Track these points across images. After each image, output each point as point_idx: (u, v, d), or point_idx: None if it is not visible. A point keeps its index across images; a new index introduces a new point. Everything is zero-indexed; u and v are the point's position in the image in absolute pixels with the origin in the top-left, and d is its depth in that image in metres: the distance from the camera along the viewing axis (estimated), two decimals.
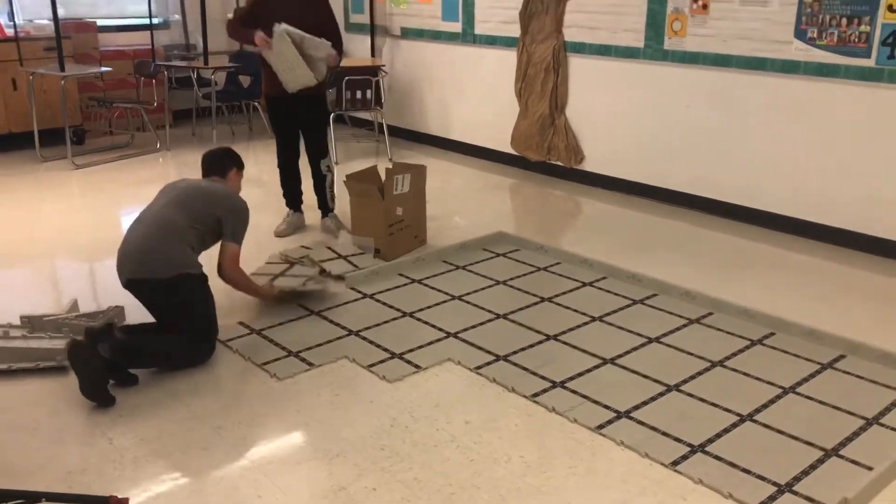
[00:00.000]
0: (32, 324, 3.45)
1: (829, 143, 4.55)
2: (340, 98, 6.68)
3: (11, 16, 7.06)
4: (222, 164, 3.62)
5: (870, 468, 2.50)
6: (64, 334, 3.34)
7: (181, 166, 6.50)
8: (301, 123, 4.66)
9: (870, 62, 4.26)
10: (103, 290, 3.95)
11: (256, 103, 7.61)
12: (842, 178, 4.54)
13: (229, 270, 3.37)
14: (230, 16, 4.61)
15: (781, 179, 4.81)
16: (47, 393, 3.02)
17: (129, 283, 3.18)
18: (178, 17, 7.99)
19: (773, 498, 2.39)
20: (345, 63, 7.11)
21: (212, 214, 3.30)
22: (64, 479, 2.49)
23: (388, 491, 2.43)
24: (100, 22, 7.50)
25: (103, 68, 6.74)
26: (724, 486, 2.44)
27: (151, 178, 6.23)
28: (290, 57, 4.32)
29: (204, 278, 3.24)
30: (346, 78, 6.61)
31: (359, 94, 6.74)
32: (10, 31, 6.83)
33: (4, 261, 4.41)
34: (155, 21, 7.54)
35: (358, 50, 7.66)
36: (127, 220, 5.23)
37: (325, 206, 4.81)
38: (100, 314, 3.51)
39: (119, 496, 2.35)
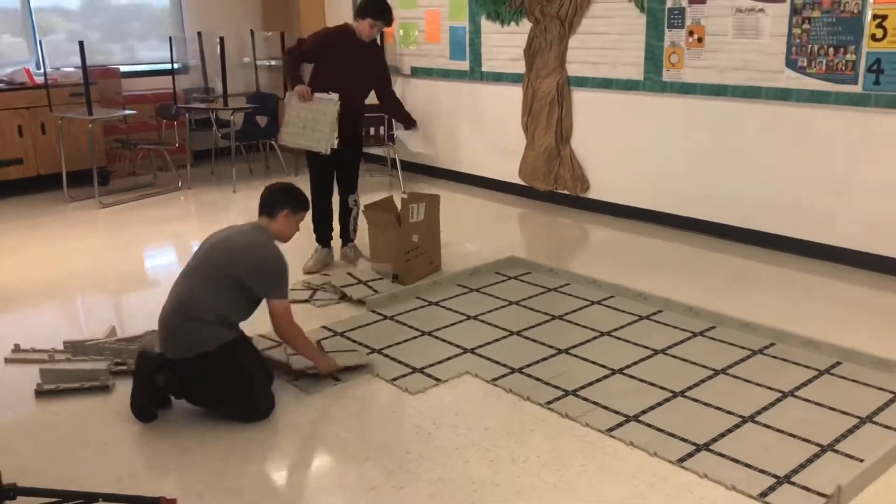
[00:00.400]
0: (75, 348, 3.68)
1: (824, 166, 4.78)
2: None
3: (38, 64, 7.42)
4: (272, 203, 3.27)
5: (862, 461, 2.68)
6: (105, 357, 3.57)
7: (202, 204, 6.78)
8: (340, 162, 4.78)
9: (857, 88, 4.51)
10: (137, 318, 4.17)
11: (273, 142, 7.90)
12: (837, 198, 4.76)
13: (279, 329, 3.16)
14: (292, 45, 4.79)
15: (779, 201, 5.03)
16: (93, 409, 3.23)
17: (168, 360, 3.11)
18: (194, 61, 8.34)
19: (772, 489, 2.57)
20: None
21: (233, 276, 3.04)
22: (114, 484, 2.70)
23: (414, 490, 2.63)
24: (123, 68, 7.84)
25: (128, 111, 7.06)
26: (728, 480, 2.62)
27: (174, 215, 6.51)
28: (322, 121, 4.52)
29: (226, 351, 3.03)
30: None
31: (372, 131, 7.02)
32: (38, 79, 7.17)
33: (42, 294, 4.65)
34: (175, 66, 7.88)
35: None
36: (152, 256, 5.52)
37: (347, 235, 5.00)
38: (138, 338, 3.74)
39: (168, 497, 2.56)
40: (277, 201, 3.27)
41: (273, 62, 8.51)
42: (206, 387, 3.07)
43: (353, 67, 4.63)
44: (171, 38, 7.50)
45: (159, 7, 8.38)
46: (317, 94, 4.57)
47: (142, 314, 4.16)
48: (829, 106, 4.66)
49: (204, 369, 3.02)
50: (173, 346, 3.07)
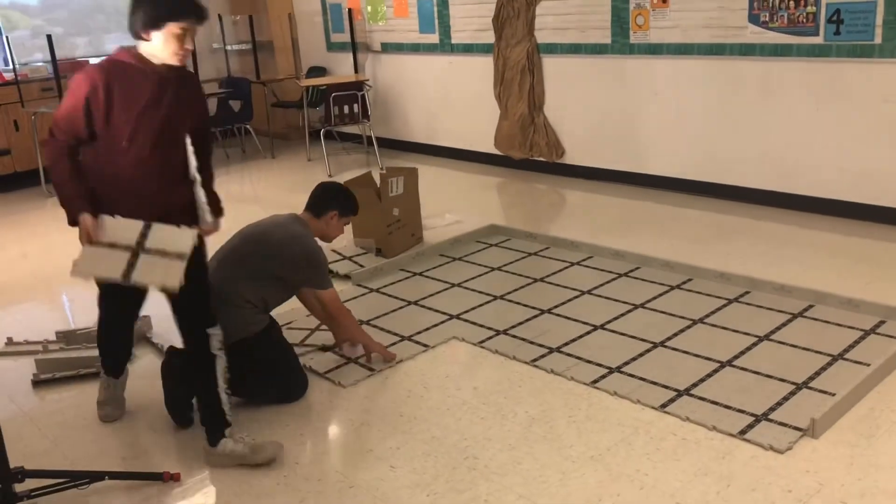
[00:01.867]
0: (67, 338, 3.74)
1: (789, 117, 4.89)
2: (329, 114, 7.00)
3: (5, 61, 7.37)
4: (322, 202, 3.25)
5: (834, 395, 2.81)
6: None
7: None
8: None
9: (818, 39, 4.62)
10: None
11: (248, 126, 7.92)
12: (803, 148, 4.88)
13: (335, 315, 3.24)
14: (46, 136, 2.60)
15: (747, 155, 5.15)
16: (91, 395, 3.28)
17: None
18: None
19: (751, 426, 2.70)
20: (330, 80, 7.47)
21: (267, 270, 3.02)
22: (119, 464, 2.78)
23: (410, 449, 2.73)
24: (91, 61, 7.81)
25: None
26: (709, 420, 2.74)
27: None
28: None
29: (263, 335, 3.04)
30: (333, 94, 6.93)
31: (346, 109, 7.06)
32: (7, 76, 7.14)
33: (30, 288, 4.70)
34: None
35: (341, 67, 7.99)
36: None
37: (218, 421, 2.74)
38: None
39: (171, 472, 2.65)
40: (328, 201, 3.25)
41: (243, 46, 8.51)
42: (245, 372, 2.95)
43: (156, 121, 2.53)
44: None
45: None
46: (118, 222, 2.53)
47: None
48: (792, 58, 4.77)
49: (243, 353, 2.94)
50: None
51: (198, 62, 7.40)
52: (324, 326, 3.61)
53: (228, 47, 8.53)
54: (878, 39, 4.39)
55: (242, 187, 6.94)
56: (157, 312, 3.92)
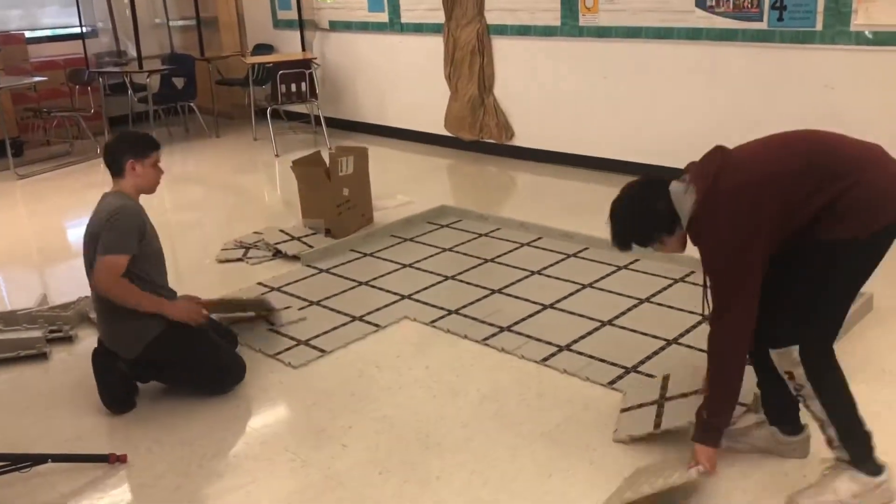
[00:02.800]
0: (6, 319, 3.62)
1: (735, 102, 4.99)
2: (276, 92, 6.89)
3: None
4: (113, 161, 2.94)
5: None
6: (39, 325, 3.53)
7: None
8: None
9: (762, 25, 4.71)
10: (65, 286, 4.11)
11: (192, 104, 7.74)
12: (748, 132, 4.97)
13: (102, 286, 2.81)
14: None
15: (694, 139, 5.21)
16: (31, 377, 3.22)
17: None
18: (101, 24, 8.07)
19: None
20: (276, 58, 7.36)
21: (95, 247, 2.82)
22: (62, 446, 2.70)
23: (362, 427, 2.73)
24: (27, 34, 7.54)
25: (37, 78, 6.81)
26: (652, 396, 2.80)
27: (95, 182, 6.34)
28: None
29: (169, 330, 2.89)
30: (280, 72, 6.82)
31: (293, 88, 6.96)
32: None
33: None
34: (84, 30, 7.62)
35: (288, 45, 7.87)
36: (75, 225, 5.41)
37: None
38: (71, 305, 3.70)
39: (117, 453, 2.60)
40: (116, 154, 2.93)
41: (187, 21, 8.30)
42: (174, 366, 2.94)
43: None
44: (77, 1, 7.23)
45: None
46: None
47: (70, 282, 4.11)
48: (737, 43, 4.86)
49: (159, 356, 2.89)
50: (121, 347, 2.91)
51: (139, 38, 7.20)
52: None
53: (171, 22, 8.31)
54: (818, 26, 4.50)
55: (186, 167, 6.80)
56: None
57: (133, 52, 7.36)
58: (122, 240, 2.80)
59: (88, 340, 3.50)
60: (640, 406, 2.69)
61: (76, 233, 5.26)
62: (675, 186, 2.23)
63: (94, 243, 2.84)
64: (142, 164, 2.94)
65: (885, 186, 2.06)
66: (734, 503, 2.27)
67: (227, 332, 3.29)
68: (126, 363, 2.92)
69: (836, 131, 2.24)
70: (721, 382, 2.23)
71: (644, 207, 2.29)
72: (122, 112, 7.89)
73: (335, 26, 7.42)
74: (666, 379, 2.75)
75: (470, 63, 6.36)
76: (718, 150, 2.23)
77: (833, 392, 2.17)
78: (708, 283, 2.26)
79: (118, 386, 2.92)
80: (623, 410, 2.72)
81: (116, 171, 2.95)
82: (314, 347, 3.31)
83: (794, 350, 2.13)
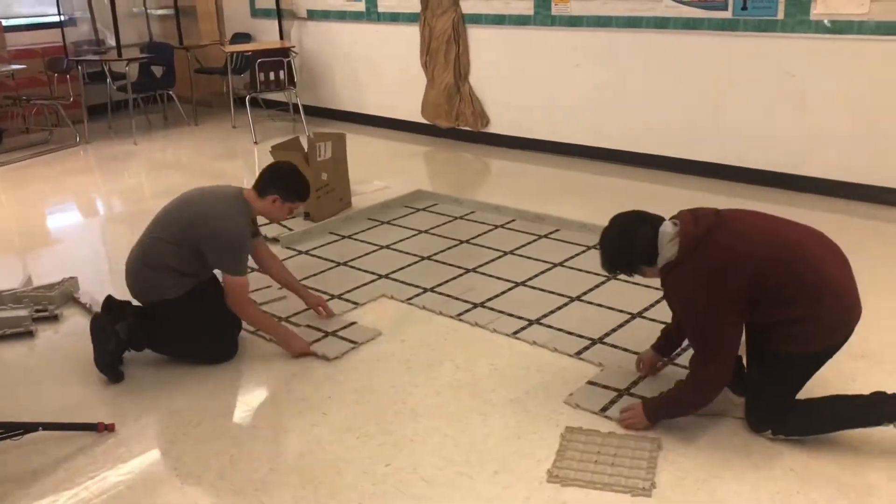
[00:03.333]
0: None
1: (700, 88, 5.16)
2: (254, 80, 6.97)
3: None
4: (265, 183, 3.15)
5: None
6: (25, 304, 3.62)
7: (102, 159, 6.69)
8: None
9: (727, 14, 4.88)
10: (49, 268, 4.19)
11: (171, 92, 7.80)
12: (712, 118, 5.16)
13: (233, 307, 3.07)
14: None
15: (661, 125, 5.41)
16: (20, 354, 3.31)
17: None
18: (79, 13, 8.09)
19: (660, 368, 2.92)
20: (255, 46, 7.43)
21: (190, 238, 3.03)
22: (52, 416, 2.80)
23: (341, 396, 2.86)
24: (5, 22, 7.55)
25: (15, 66, 6.84)
26: (622, 365, 2.96)
27: (74, 170, 6.43)
28: None
29: (182, 301, 3.06)
30: (259, 61, 6.90)
31: (272, 76, 7.04)
32: None
33: None
34: (61, 19, 7.64)
35: (266, 33, 7.94)
36: (56, 211, 5.49)
37: None
38: (56, 285, 3.79)
39: (105, 423, 2.71)
40: (270, 183, 3.14)
41: (165, 10, 8.34)
42: (168, 330, 3.10)
43: None
44: None
45: None
46: None
47: (54, 264, 4.21)
48: (703, 32, 5.02)
49: (163, 314, 3.07)
50: (135, 290, 3.13)
51: (118, 27, 7.24)
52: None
53: (150, 11, 8.35)
54: (780, 15, 4.68)
55: (165, 155, 6.87)
56: (83, 274, 3.95)
57: (111, 41, 7.41)
58: (237, 260, 3.05)
59: (73, 319, 3.61)
60: (605, 387, 2.83)
61: (57, 219, 5.35)
62: (665, 227, 2.43)
63: (200, 226, 3.01)
64: (282, 204, 3.16)
65: (844, 310, 2.38)
66: (690, 458, 2.43)
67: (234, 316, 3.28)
68: (123, 328, 3.05)
69: (799, 112, 2.40)
70: (692, 402, 2.54)
71: (628, 241, 2.49)
72: (101, 100, 7.93)
73: (313, 15, 7.51)
74: (641, 380, 2.89)
75: (446, 52, 6.48)
76: (713, 214, 2.44)
77: (816, 423, 2.47)
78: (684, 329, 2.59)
79: (114, 352, 3.05)
80: (589, 382, 2.87)
81: (260, 190, 3.15)
82: (295, 324, 3.43)
83: (768, 433, 2.49)
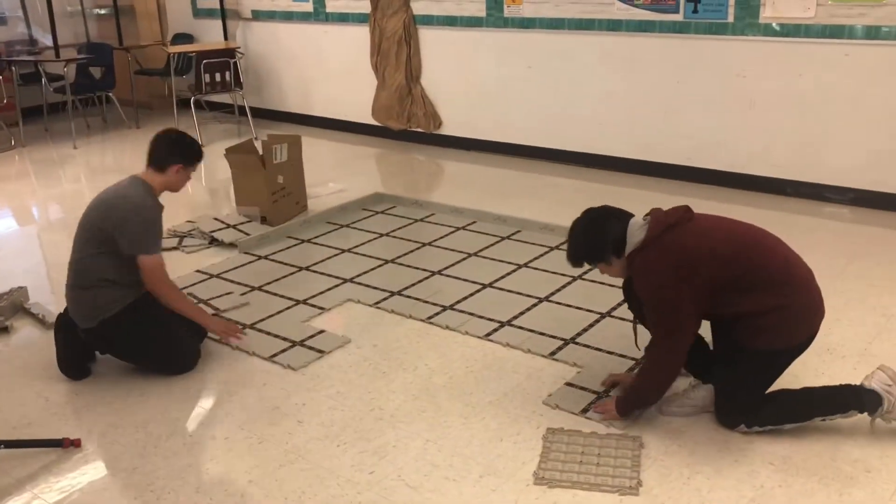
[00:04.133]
0: None
1: (652, 90, 5.24)
2: (199, 82, 6.81)
3: None
4: (163, 155, 3.04)
5: None
6: None
7: (38, 163, 6.44)
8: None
9: (679, 17, 4.97)
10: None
11: (110, 94, 7.56)
12: (664, 119, 5.25)
13: (150, 286, 2.95)
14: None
15: (613, 126, 5.48)
16: None
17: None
18: (8, 12, 7.77)
19: (631, 369, 2.95)
20: (200, 47, 7.26)
21: (104, 231, 2.91)
22: (10, 433, 2.68)
23: (315, 404, 2.80)
24: None
25: None
26: (595, 365, 2.97)
27: (9, 175, 6.17)
28: None
29: (127, 314, 2.95)
30: (204, 62, 6.74)
31: (217, 77, 6.89)
32: None
33: None
34: None
35: (209, 34, 7.77)
36: None
37: None
38: (4, 295, 3.62)
39: (71, 438, 2.60)
40: (168, 154, 3.03)
41: (102, 11, 8.08)
42: (122, 347, 3.02)
43: None
44: None
45: None
46: None
47: (3, 272, 4.02)
48: (655, 34, 5.11)
49: (112, 333, 2.96)
50: (79, 316, 2.97)
51: (55, 27, 6.98)
52: None
53: (87, 10, 8.07)
54: (730, 18, 4.79)
55: (104, 158, 6.65)
56: (32, 283, 3.80)
57: (45, 41, 7.13)
58: (158, 240, 2.97)
59: (25, 331, 3.46)
60: (584, 389, 2.83)
61: None
62: (636, 220, 2.51)
63: (108, 216, 2.91)
64: (184, 171, 3.08)
65: (807, 308, 2.46)
66: (672, 455, 2.45)
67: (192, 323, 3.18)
68: (83, 332, 2.95)
69: (748, 112, 2.46)
70: (650, 387, 2.59)
71: (599, 229, 2.54)
72: (35, 103, 7.63)
73: (258, 15, 7.37)
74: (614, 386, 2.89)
75: (397, 52, 6.44)
76: (684, 209, 2.52)
77: (787, 412, 2.52)
78: (642, 315, 2.64)
79: (77, 353, 2.97)
80: (567, 384, 2.87)
81: (157, 166, 3.04)
82: (260, 331, 3.35)
83: (742, 427, 2.53)
